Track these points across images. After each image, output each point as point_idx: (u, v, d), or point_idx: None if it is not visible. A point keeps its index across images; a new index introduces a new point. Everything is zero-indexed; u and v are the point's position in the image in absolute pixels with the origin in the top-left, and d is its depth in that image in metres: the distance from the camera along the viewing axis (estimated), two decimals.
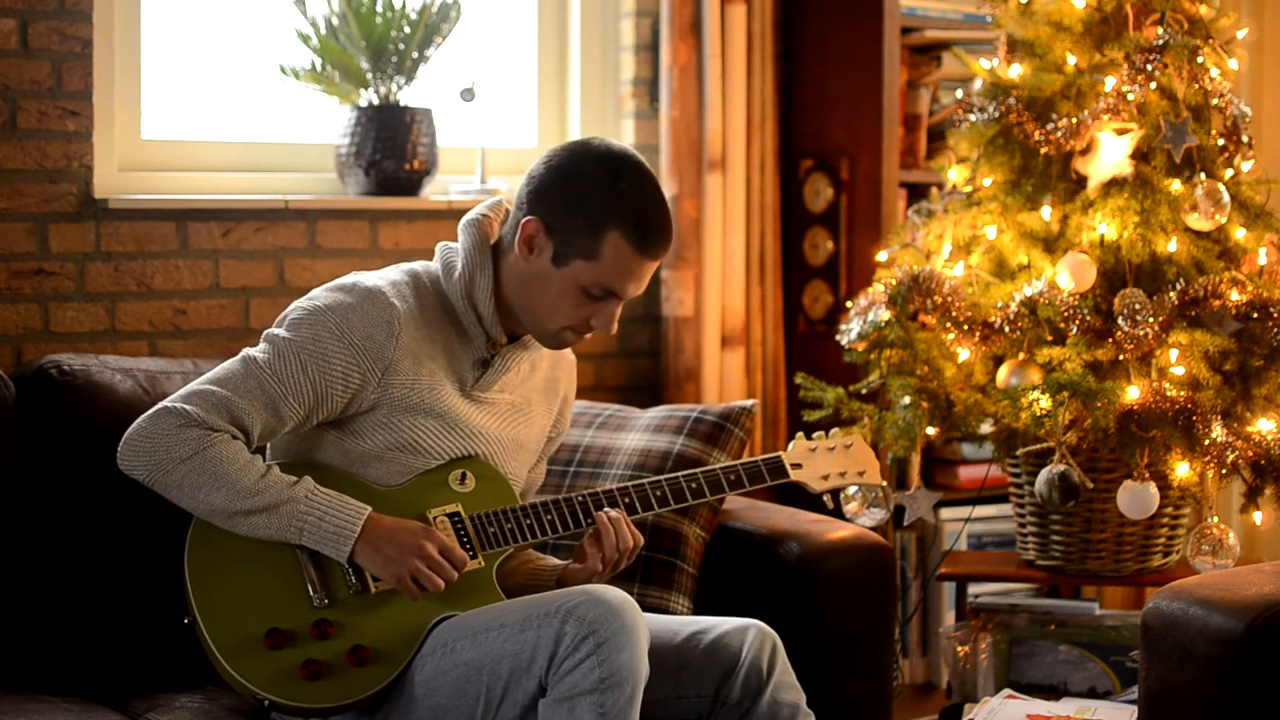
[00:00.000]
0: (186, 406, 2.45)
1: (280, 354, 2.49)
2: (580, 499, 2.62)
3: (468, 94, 3.50)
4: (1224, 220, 3.17)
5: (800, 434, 2.87)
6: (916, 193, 3.84)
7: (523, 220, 2.54)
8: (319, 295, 2.55)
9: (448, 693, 2.41)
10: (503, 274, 2.58)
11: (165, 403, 2.47)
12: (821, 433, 2.88)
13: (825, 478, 2.83)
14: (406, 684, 2.45)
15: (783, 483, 2.79)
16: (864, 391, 3.35)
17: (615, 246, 2.50)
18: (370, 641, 2.46)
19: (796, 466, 2.80)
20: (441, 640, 2.45)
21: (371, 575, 2.49)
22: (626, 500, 2.64)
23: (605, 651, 2.29)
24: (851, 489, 3.23)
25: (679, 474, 2.70)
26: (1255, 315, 3.10)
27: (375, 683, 2.45)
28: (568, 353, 2.80)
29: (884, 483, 2.96)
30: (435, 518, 2.55)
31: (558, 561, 2.72)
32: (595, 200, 2.50)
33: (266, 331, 2.54)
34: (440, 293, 2.60)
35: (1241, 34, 3.38)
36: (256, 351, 2.51)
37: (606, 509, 2.61)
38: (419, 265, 2.64)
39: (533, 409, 2.71)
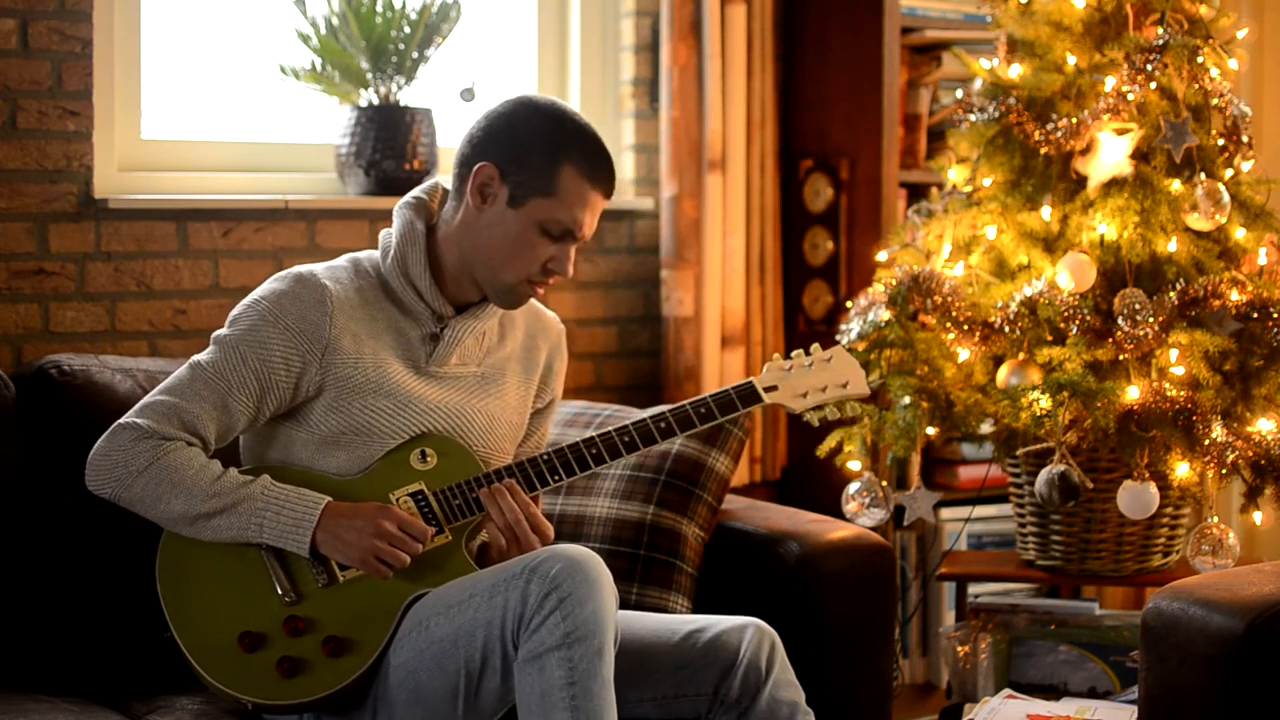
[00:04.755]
0: (138, 420, 2.50)
1: (221, 350, 2.54)
2: (545, 457, 2.61)
3: (468, 94, 3.50)
4: (1224, 220, 3.17)
5: (776, 355, 2.75)
6: (916, 193, 3.84)
7: (475, 168, 2.57)
8: (257, 290, 2.60)
9: (428, 670, 2.42)
10: (442, 243, 2.61)
11: (121, 420, 2.53)
12: (800, 350, 2.74)
13: (804, 395, 2.70)
14: (386, 669, 2.46)
15: (758, 407, 2.68)
16: None
17: (570, 178, 2.55)
18: (343, 631, 2.47)
19: (771, 389, 2.69)
20: (416, 620, 2.46)
21: (338, 565, 2.50)
22: (593, 451, 2.62)
23: (569, 606, 2.30)
24: (852, 486, 3.23)
25: (646, 416, 2.65)
26: (1255, 315, 3.10)
27: (353, 670, 2.46)
28: (551, 319, 2.81)
29: (868, 392, 2.80)
30: (398, 499, 2.55)
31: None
32: (547, 139, 2.56)
33: (214, 334, 2.59)
34: (380, 275, 2.64)
35: (1241, 34, 3.38)
36: (202, 355, 2.56)
37: (493, 485, 2.56)
38: (362, 253, 2.69)
39: (506, 379, 2.70)
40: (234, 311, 2.59)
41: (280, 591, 2.49)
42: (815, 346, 2.76)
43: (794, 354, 2.73)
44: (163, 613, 2.50)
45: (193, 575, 2.51)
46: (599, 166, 2.58)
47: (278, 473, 2.55)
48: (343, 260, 2.66)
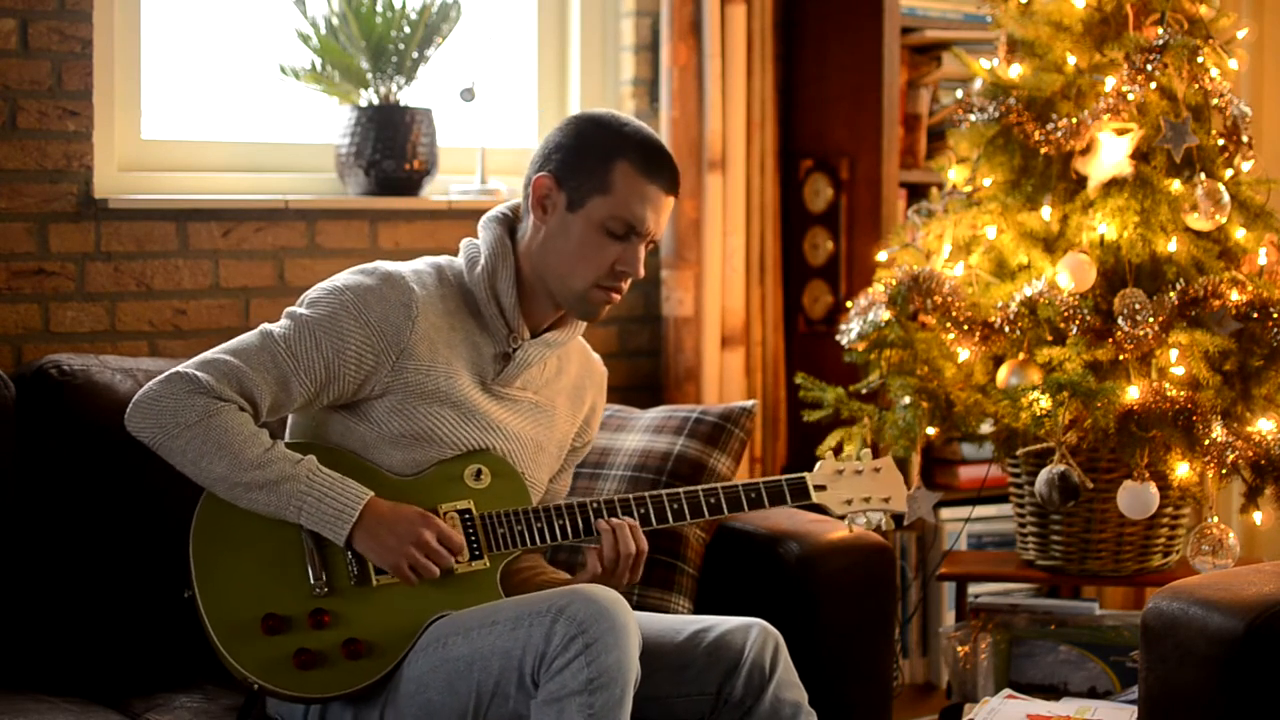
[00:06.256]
0: (198, 373, 2.47)
1: (297, 329, 2.51)
2: (595, 504, 2.61)
3: (468, 94, 3.50)
4: (1224, 220, 3.17)
5: (830, 454, 2.83)
6: (916, 193, 3.84)
7: (533, 181, 2.58)
8: (341, 276, 2.58)
9: (440, 688, 2.41)
10: (521, 261, 2.61)
11: (178, 367, 2.49)
12: (852, 452, 2.84)
13: (848, 502, 2.80)
14: (399, 678, 2.46)
15: (804, 505, 2.76)
16: (864, 391, 3.34)
17: (625, 175, 2.56)
18: (365, 635, 2.46)
19: (820, 489, 2.77)
20: (435, 636, 2.45)
21: (374, 568, 2.49)
22: (642, 511, 2.63)
23: (594, 652, 2.29)
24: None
25: (699, 488, 2.68)
26: (1255, 315, 3.10)
27: (367, 676, 2.45)
28: (597, 363, 2.83)
29: (906, 509, 2.92)
30: (446, 513, 2.55)
31: (569, 577, 2.72)
32: (601, 141, 2.57)
33: (287, 309, 2.56)
34: (463, 285, 2.62)
35: (1241, 34, 3.38)
36: (275, 326, 2.53)
37: (611, 518, 2.60)
38: (443, 259, 2.67)
39: (557, 411, 2.71)
40: (311, 294, 2.56)
41: (313, 579, 2.48)
42: (866, 453, 2.84)
43: (845, 454, 2.82)
44: (189, 570, 2.47)
45: (229, 541, 2.48)
46: (654, 161, 2.58)
47: (333, 455, 2.53)
48: (425, 265, 2.63)
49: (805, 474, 2.77)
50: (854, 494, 2.81)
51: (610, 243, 2.57)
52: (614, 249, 2.57)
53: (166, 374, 2.49)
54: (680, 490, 2.67)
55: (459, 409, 2.57)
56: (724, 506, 2.68)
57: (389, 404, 2.55)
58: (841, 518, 2.83)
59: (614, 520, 2.58)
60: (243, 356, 2.49)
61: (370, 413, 2.56)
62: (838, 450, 2.84)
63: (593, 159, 2.56)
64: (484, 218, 2.66)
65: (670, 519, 2.65)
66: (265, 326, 2.54)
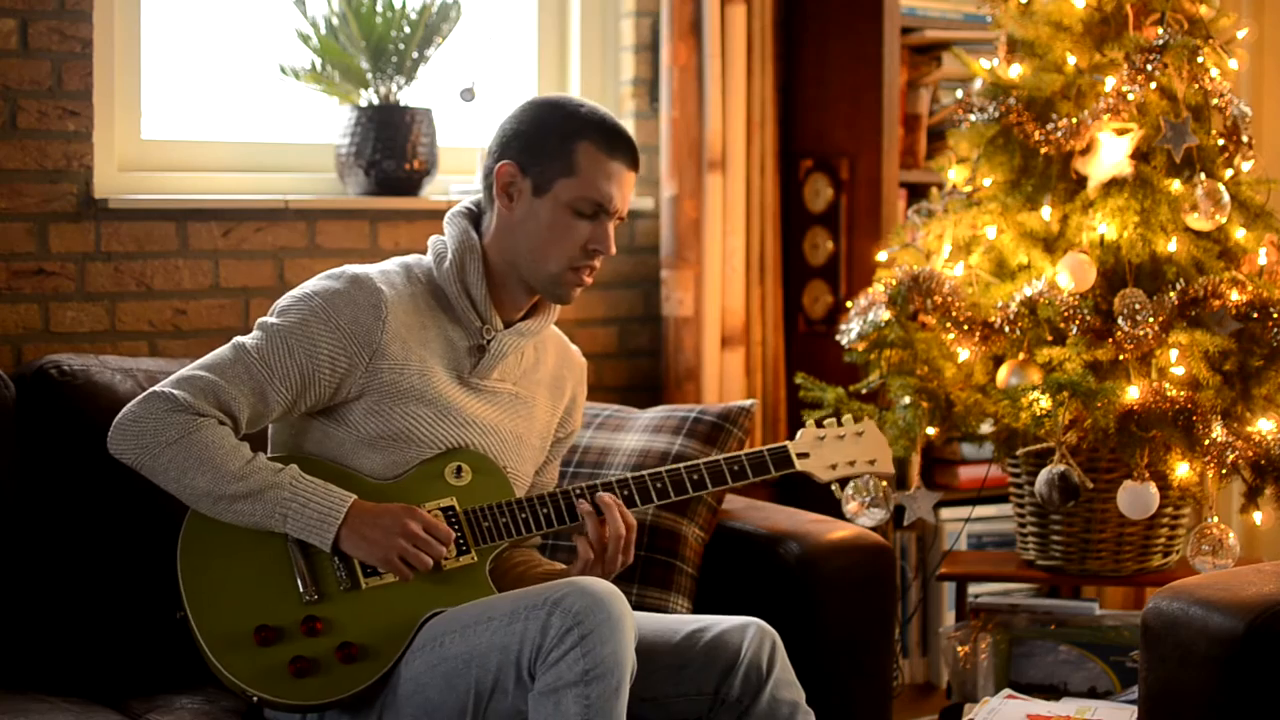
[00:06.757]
0: (175, 391, 2.48)
1: (269, 339, 2.52)
2: (577, 491, 2.61)
3: (468, 94, 3.50)
4: (1224, 220, 3.17)
5: (811, 422, 2.82)
6: (916, 193, 3.84)
7: (495, 171, 2.60)
8: (309, 283, 2.59)
9: (438, 687, 2.41)
10: (489, 251, 2.62)
11: (155, 387, 2.50)
12: (833, 420, 2.83)
13: (833, 467, 2.79)
14: (396, 679, 2.46)
15: (789, 473, 2.75)
16: (864, 391, 3.35)
17: (588, 154, 2.57)
18: (359, 638, 2.47)
19: (803, 456, 2.76)
20: (431, 635, 2.45)
21: (362, 571, 2.50)
22: (625, 492, 2.63)
23: (590, 643, 2.29)
24: (851, 488, 3.23)
25: (680, 465, 2.67)
26: (1255, 315, 3.10)
27: (364, 679, 2.45)
28: (576, 354, 2.82)
29: (894, 471, 2.90)
30: (430, 511, 2.55)
31: (566, 568, 2.72)
32: (558, 124, 2.59)
33: (259, 320, 2.57)
34: (432, 282, 2.63)
35: (1241, 34, 3.38)
36: (247, 338, 2.54)
37: (597, 499, 2.59)
38: (411, 258, 2.68)
39: (536, 402, 2.71)
40: (282, 302, 2.58)
41: (302, 588, 2.48)
42: (848, 418, 2.83)
43: (827, 422, 2.81)
44: (179, 591, 2.48)
45: (216, 558, 2.49)
46: (615, 139, 2.59)
47: (310, 465, 2.54)
48: (393, 265, 2.64)
49: (787, 442, 2.76)
50: (838, 458, 2.79)
51: (580, 223, 2.58)
52: (584, 229, 2.59)
53: (144, 394, 2.50)
54: (662, 469, 2.67)
55: (434, 406, 2.57)
56: (707, 481, 2.68)
57: (365, 405, 2.55)
58: (827, 484, 2.81)
59: (600, 502, 2.58)
60: (217, 371, 2.51)
61: (347, 416, 2.56)
62: (819, 421, 2.82)
63: (554, 141, 2.58)
64: (448, 214, 2.67)
65: (655, 497, 2.65)
66: (238, 339, 2.55)
